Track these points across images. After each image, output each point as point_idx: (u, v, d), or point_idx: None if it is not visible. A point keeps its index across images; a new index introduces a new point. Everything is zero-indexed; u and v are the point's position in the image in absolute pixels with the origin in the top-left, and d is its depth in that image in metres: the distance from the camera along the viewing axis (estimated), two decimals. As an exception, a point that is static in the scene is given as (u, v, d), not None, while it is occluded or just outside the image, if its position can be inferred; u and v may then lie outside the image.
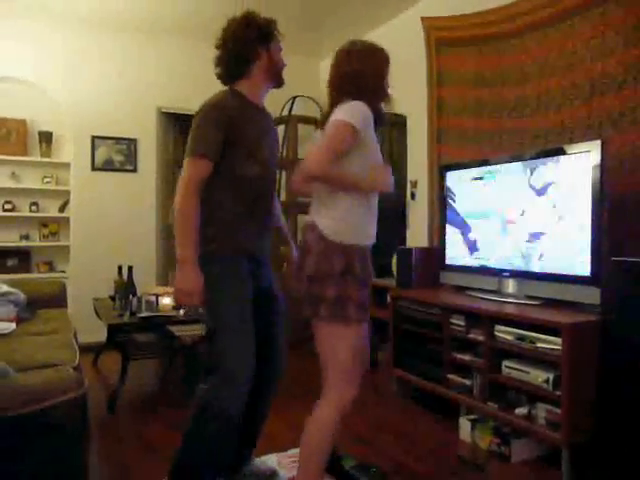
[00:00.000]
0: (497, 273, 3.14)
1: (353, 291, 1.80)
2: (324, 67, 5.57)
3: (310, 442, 1.84)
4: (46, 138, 4.97)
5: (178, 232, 1.95)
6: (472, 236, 3.36)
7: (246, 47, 2.05)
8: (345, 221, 1.83)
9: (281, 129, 5.22)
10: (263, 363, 2.13)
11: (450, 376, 3.07)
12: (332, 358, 1.84)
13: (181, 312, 3.50)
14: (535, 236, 2.90)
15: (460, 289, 3.46)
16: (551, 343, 2.47)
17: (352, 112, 1.78)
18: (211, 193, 2.00)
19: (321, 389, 1.89)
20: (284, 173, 5.34)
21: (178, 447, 2.05)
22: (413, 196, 4.38)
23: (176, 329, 4.05)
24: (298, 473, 1.87)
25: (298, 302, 1.86)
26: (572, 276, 2.69)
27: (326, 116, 1.91)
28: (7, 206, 4.87)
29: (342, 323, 1.80)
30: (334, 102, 1.90)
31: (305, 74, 5.42)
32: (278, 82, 2.19)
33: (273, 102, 5.36)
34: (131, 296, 3.59)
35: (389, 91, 1.97)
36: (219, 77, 2.13)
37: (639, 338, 2.28)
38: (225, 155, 1.99)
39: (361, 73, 1.89)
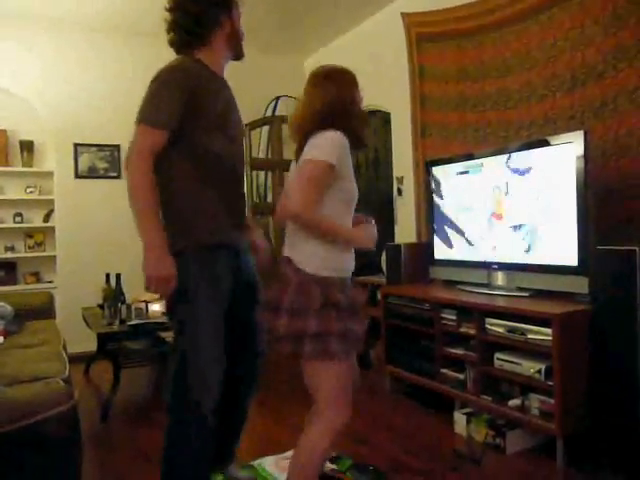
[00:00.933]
0: (486, 266, 3.15)
1: (335, 324, 1.72)
2: (307, 66, 5.55)
3: (298, 467, 1.80)
4: (27, 147, 4.90)
5: (139, 214, 1.75)
6: (460, 230, 3.36)
7: (209, 13, 1.85)
8: (318, 255, 1.76)
9: (265, 130, 5.21)
10: (245, 352, 2.09)
11: (443, 371, 3.07)
12: (320, 391, 1.79)
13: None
14: (522, 228, 2.92)
15: (450, 284, 3.47)
16: (542, 334, 2.49)
17: (327, 148, 1.70)
18: (172, 174, 1.79)
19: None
20: (269, 174, 5.33)
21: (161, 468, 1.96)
22: (400, 192, 4.38)
23: (167, 335, 4.01)
24: None
25: (275, 339, 1.76)
26: (560, 266, 2.71)
27: (299, 149, 1.81)
28: (-10, 218, 4.81)
29: (326, 360, 1.74)
30: (306, 135, 1.79)
31: (288, 74, 5.40)
32: (238, 53, 2.01)
33: (256, 103, 5.39)
34: (120, 304, 3.56)
35: (359, 108, 1.87)
36: (173, 44, 1.91)
37: (626, 326, 2.30)
38: (187, 127, 1.78)
39: (332, 103, 1.78)
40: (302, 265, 1.75)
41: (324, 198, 1.73)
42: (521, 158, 2.92)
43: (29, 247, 5.00)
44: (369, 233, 1.85)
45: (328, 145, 1.71)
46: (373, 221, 1.90)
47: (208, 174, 1.85)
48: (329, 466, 2.46)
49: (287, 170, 1.86)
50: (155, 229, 1.75)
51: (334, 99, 1.78)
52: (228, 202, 1.92)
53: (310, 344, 1.71)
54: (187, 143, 1.80)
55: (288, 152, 4.95)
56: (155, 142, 1.74)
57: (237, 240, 1.99)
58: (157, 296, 3.77)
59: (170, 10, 1.88)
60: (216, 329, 1.90)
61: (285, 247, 1.85)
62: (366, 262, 4.59)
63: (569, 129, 2.84)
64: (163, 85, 1.76)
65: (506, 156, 3.02)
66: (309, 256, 1.76)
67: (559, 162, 2.70)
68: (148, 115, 1.75)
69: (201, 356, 1.87)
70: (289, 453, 2.51)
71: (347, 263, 1.84)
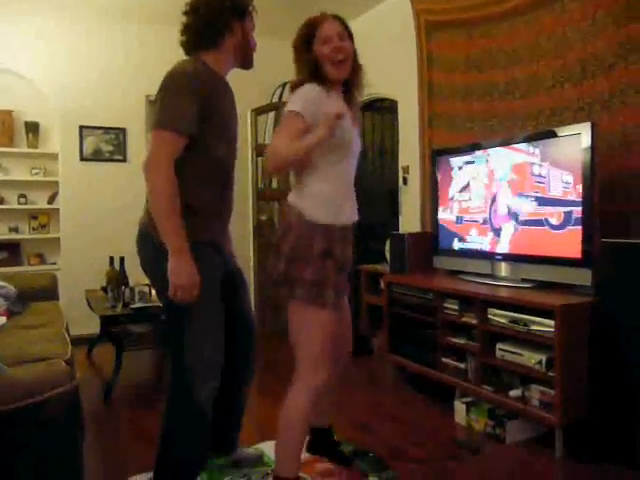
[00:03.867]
0: (490, 257, 3.15)
1: (332, 275, 1.79)
2: (313, 52, 5.50)
3: (283, 429, 1.84)
4: (33, 129, 4.90)
5: (164, 218, 1.75)
6: (464, 220, 3.35)
7: (220, 16, 1.88)
8: (318, 199, 1.83)
9: (271, 116, 5.19)
10: (236, 341, 2.11)
11: (445, 360, 3.08)
12: (303, 342, 1.82)
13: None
14: (527, 218, 2.90)
15: (453, 273, 3.46)
16: (544, 325, 2.49)
17: (293, 99, 1.82)
18: (180, 175, 1.78)
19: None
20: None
21: (157, 449, 1.98)
22: (405, 181, 4.37)
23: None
24: (276, 459, 1.88)
25: (273, 282, 1.84)
26: (564, 258, 2.70)
27: None
28: (-5, 199, 4.82)
29: (318, 307, 1.78)
30: None
31: (294, 60, 5.35)
32: (247, 62, 2.05)
33: (263, 88, 5.36)
34: (123, 287, 3.57)
35: (323, 51, 1.87)
36: (184, 45, 1.95)
37: (628, 319, 2.30)
38: (199, 133, 1.81)
39: (295, 55, 1.95)
40: (304, 211, 1.82)
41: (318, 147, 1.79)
42: (528, 149, 2.90)
43: (33, 228, 5.01)
44: (325, 121, 1.73)
45: (292, 98, 1.84)
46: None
47: (211, 176, 1.91)
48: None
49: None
50: (179, 234, 1.76)
51: (294, 56, 1.95)
52: (221, 203, 1.99)
53: (305, 290, 1.76)
54: (195, 148, 1.83)
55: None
56: (177, 148, 1.77)
57: (221, 238, 2.06)
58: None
59: (185, 13, 1.92)
60: (215, 315, 1.95)
61: (290, 194, 1.92)
62: (370, 250, 4.59)
63: (577, 121, 2.82)
64: (176, 90, 1.79)
65: (512, 147, 3.00)
66: (311, 201, 1.83)
67: (566, 153, 2.69)
68: (169, 121, 1.76)
69: (201, 341, 1.90)
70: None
71: (346, 208, 1.90)
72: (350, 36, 1.92)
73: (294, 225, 1.81)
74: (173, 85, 1.80)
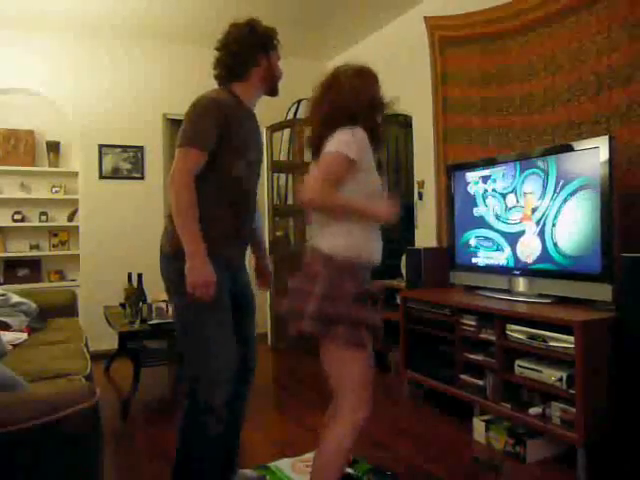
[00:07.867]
0: (508, 272, 3.12)
1: (365, 314, 1.78)
2: (329, 69, 5.56)
3: (324, 465, 1.82)
4: (54, 148, 5.00)
5: (183, 226, 1.89)
6: (481, 235, 3.34)
7: (247, 51, 2.07)
8: (349, 238, 1.80)
9: (286, 133, 5.23)
10: (240, 362, 2.13)
11: (462, 377, 3.05)
12: (345, 382, 1.82)
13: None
14: (544, 233, 2.88)
15: (470, 289, 3.44)
16: (564, 341, 2.45)
17: (346, 141, 1.74)
18: (200, 191, 1.94)
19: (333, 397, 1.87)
20: (290, 176, 5.35)
21: (174, 464, 2.04)
22: (420, 196, 4.36)
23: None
24: None
25: (299, 317, 1.79)
26: (583, 273, 2.67)
27: (318, 147, 1.86)
28: (17, 216, 4.90)
29: (357, 348, 1.78)
30: (324, 135, 1.84)
31: (310, 77, 5.39)
32: (272, 90, 2.21)
33: (278, 106, 5.41)
34: (141, 303, 3.59)
35: (385, 103, 1.93)
36: (217, 78, 2.15)
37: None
38: (216, 153, 1.97)
39: (353, 101, 1.84)
40: (334, 251, 1.78)
41: (347, 193, 1.78)
42: (544, 163, 2.88)
43: (53, 245, 5.09)
44: (389, 205, 1.83)
45: (348, 139, 1.75)
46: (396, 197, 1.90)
47: (225, 194, 2.03)
48: (346, 469, 2.46)
49: (307, 172, 1.93)
50: (197, 240, 1.90)
51: (358, 99, 1.85)
52: (237, 221, 2.10)
53: (344, 333, 1.74)
54: (213, 166, 1.98)
55: (309, 154, 4.96)
56: (197, 162, 1.94)
57: (236, 258, 2.16)
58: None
59: (217, 49, 2.12)
60: (224, 327, 2.03)
61: (313, 238, 1.90)
62: (386, 265, 4.58)
63: (594, 134, 2.80)
64: (200, 113, 1.96)
65: (529, 161, 2.98)
66: (341, 240, 1.80)
67: (583, 167, 2.67)
68: (191, 139, 1.94)
69: (212, 345, 2.00)
70: (306, 456, 2.53)
71: (375, 247, 1.88)
72: None
73: (321, 269, 1.77)
74: (197, 109, 1.98)
